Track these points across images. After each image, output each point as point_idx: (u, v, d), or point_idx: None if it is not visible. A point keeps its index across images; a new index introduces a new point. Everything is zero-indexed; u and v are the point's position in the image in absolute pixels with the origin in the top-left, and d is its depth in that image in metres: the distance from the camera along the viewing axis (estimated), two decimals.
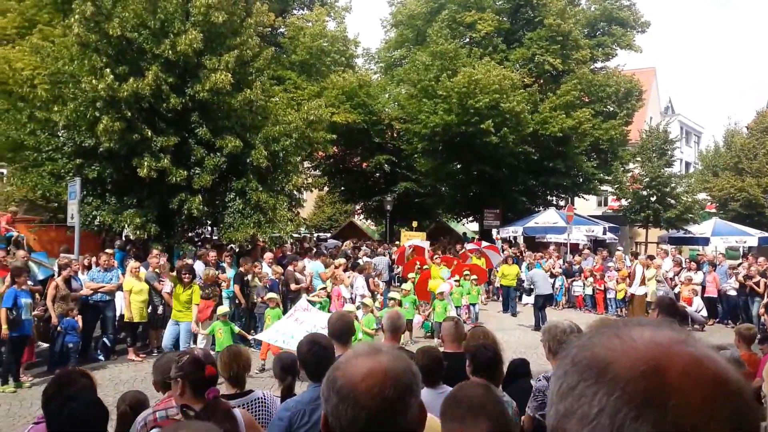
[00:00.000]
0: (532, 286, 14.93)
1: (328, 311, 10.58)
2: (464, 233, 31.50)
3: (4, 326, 8.79)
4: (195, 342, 10.05)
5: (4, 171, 27.75)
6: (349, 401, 1.20)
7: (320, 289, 12.54)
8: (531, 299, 15.44)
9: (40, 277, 10.99)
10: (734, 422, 0.63)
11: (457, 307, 13.49)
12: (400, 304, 11.07)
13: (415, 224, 24.15)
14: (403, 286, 13.08)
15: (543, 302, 14.26)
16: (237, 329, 9.75)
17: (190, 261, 11.98)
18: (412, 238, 19.57)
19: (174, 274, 10.51)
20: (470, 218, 29.14)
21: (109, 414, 2.91)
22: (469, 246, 19.24)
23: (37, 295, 10.13)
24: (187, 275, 10.06)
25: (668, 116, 37.15)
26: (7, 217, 14.30)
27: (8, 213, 15.40)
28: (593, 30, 27.19)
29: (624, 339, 0.69)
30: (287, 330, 8.52)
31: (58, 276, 10.08)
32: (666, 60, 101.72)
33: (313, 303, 10.71)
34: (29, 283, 9.68)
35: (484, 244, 19.27)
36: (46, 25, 16.31)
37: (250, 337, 10.66)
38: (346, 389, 1.22)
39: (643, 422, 0.61)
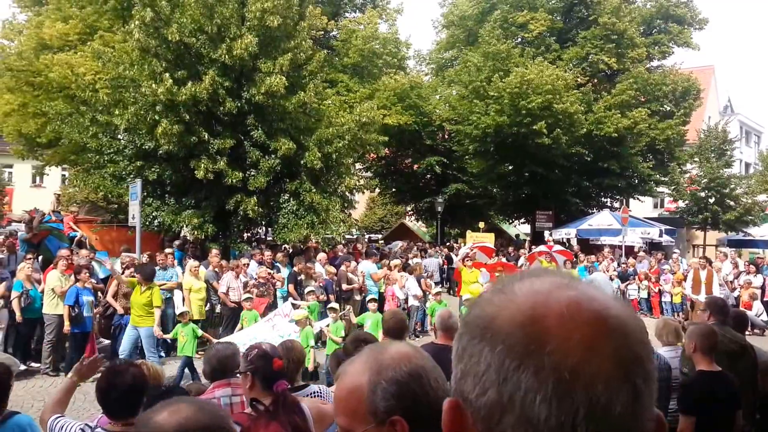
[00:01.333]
0: None
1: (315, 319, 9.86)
2: (517, 235, 31.05)
3: (67, 323, 9.16)
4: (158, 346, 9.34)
5: (66, 173, 29.12)
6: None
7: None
8: None
9: (102, 275, 11.41)
10: (616, 358, 0.62)
11: None
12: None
13: (482, 225, 23.67)
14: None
15: None
16: (200, 332, 9.14)
17: (246, 261, 12.22)
18: (480, 241, 19.21)
19: (132, 277, 9.44)
20: (522, 220, 28.70)
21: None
22: (538, 248, 18.44)
23: (99, 293, 10.52)
24: (142, 276, 9.07)
25: (727, 116, 35.76)
26: (71, 217, 14.94)
27: (70, 213, 16.10)
28: (649, 28, 26.37)
29: (506, 293, 0.70)
30: (260, 336, 7.90)
31: (122, 274, 10.40)
32: (725, 58, 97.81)
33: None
34: (92, 281, 10.07)
35: (556, 248, 18.22)
36: (107, 31, 16.91)
37: (214, 341, 9.50)
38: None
39: (524, 371, 0.62)
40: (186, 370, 8.69)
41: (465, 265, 13.70)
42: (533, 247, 19.58)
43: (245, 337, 8.14)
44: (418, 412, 1.14)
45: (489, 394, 0.64)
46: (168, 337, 9.18)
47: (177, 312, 11.23)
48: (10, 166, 34.17)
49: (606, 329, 0.64)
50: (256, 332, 8.24)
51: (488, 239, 20.39)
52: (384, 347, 1.27)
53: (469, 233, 22.39)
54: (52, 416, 3.02)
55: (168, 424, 1.21)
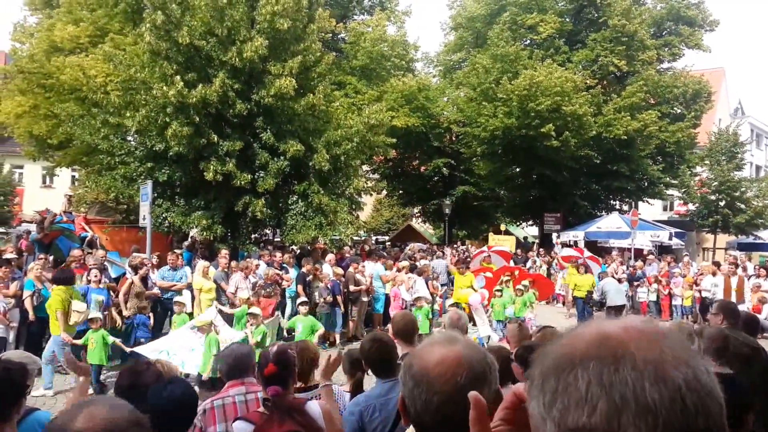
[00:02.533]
0: (603, 298, 13.27)
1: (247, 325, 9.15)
2: (525, 237, 30.98)
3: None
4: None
5: (76, 174, 29.37)
6: (423, 385, 1.26)
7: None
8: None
9: (113, 275, 11.51)
10: (683, 348, 0.74)
11: (498, 321, 11.97)
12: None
13: (503, 228, 23.54)
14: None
15: (614, 316, 12.66)
16: (112, 339, 8.67)
17: (256, 261, 12.26)
18: (500, 244, 18.99)
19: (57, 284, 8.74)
20: (530, 222, 28.65)
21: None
22: (565, 252, 17.81)
23: (111, 293, 10.61)
24: (58, 281, 8.51)
25: (738, 118, 35.55)
26: (82, 218, 15.08)
27: (81, 214, 16.25)
28: (659, 29, 26.29)
29: (567, 336, 0.79)
30: (183, 343, 7.48)
31: (134, 274, 10.49)
32: (736, 60, 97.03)
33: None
34: (105, 280, 10.15)
35: (587, 254, 17.51)
36: (118, 33, 17.04)
37: (127, 350, 9.00)
38: (420, 374, 1.28)
39: (623, 369, 0.69)
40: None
41: (458, 270, 13.17)
42: (545, 250, 19.18)
43: (162, 345, 7.70)
44: None
45: (600, 406, 0.68)
46: (78, 342, 8.48)
47: (187, 312, 11.40)
48: (21, 167, 34.51)
49: (661, 331, 0.76)
50: (176, 339, 7.73)
51: (508, 242, 20.15)
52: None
53: (491, 236, 22.28)
54: None
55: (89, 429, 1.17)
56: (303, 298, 10.38)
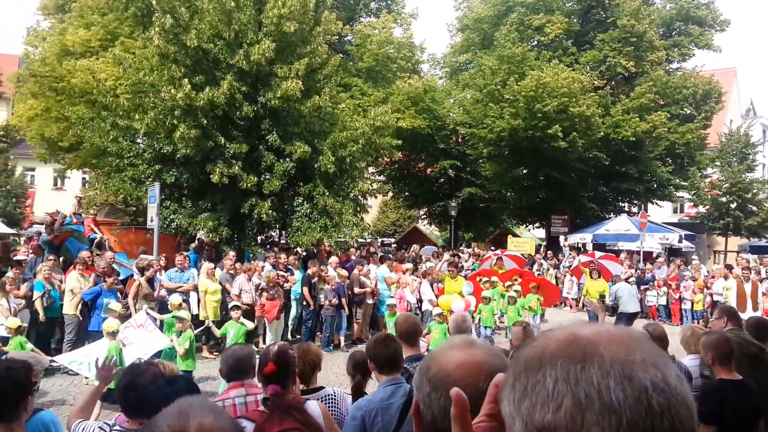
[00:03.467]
0: (615, 303, 12.43)
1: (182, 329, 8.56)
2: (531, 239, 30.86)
3: (72, 310, 9.31)
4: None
5: (87, 176, 29.65)
6: (442, 390, 1.21)
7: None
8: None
9: (121, 276, 11.63)
10: (654, 353, 0.75)
11: (486, 328, 11.61)
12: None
13: (521, 230, 23.26)
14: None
15: (627, 323, 11.17)
16: (30, 346, 8.17)
17: (261, 263, 12.36)
18: (519, 246, 18.61)
19: None
20: (536, 224, 28.54)
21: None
22: (582, 258, 16.93)
23: (119, 294, 10.72)
24: None
25: (750, 119, 35.20)
26: (91, 219, 15.23)
27: (90, 215, 16.41)
28: (669, 30, 26.12)
29: (539, 338, 0.82)
30: (98, 350, 6.89)
31: (140, 276, 10.60)
32: (747, 60, 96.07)
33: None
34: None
35: (599, 254, 16.96)
36: (128, 37, 17.21)
37: (48, 359, 8.28)
38: (438, 378, 1.24)
39: (589, 368, 0.72)
40: None
41: (448, 273, 12.42)
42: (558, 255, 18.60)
43: (80, 355, 7.21)
44: None
45: (565, 403, 0.70)
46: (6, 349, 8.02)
47: (193, 314, 11.49)
48: (33, 170, 34.90)
49: (635, 336, 0.78)
50: (100, 346, 7.15)
51: (527, 244, 19.82)
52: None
53: (509, 238, 22.02)
54: (76, 421, 3.13)
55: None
56: (235, 302, 9.66)
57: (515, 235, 28.20)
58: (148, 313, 8.50)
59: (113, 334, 7.49)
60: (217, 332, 9.25)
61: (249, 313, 11.12)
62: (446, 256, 15.49)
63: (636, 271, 18.05)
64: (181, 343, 7.95)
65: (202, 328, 9.62)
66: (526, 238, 21.02)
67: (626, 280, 14.75)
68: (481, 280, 12.91)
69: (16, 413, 2.71)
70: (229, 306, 9.61)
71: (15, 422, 2.71)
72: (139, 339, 7.26)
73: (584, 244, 23.55)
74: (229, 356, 3.62)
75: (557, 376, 0.72)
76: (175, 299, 9.17)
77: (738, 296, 13.78)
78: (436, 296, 12.56)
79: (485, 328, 11.63)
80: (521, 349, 0.82)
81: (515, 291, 12.32)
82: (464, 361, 1.26)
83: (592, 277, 14.32)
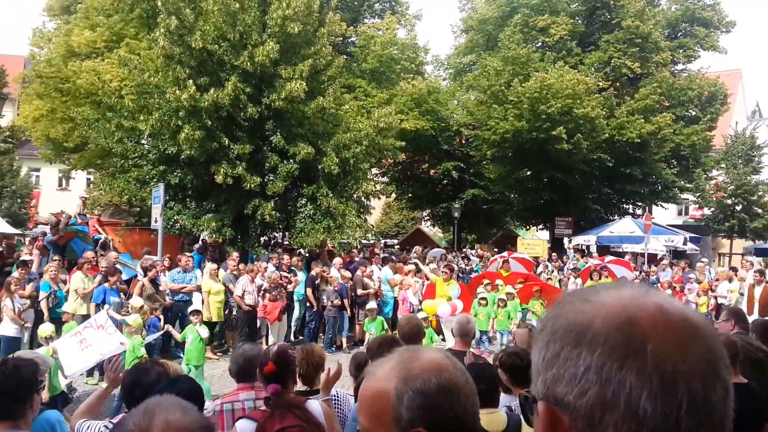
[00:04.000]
0: None
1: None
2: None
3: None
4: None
5: (91, 177, 29.77)
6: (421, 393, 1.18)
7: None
8: None
9: (125, 277, 11.66)
10: (708, 356, 0.69)
11: (482, 333, 11.21)
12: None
13: (533, 231, 22.96)
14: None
15: None
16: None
17: (264, 264, 12.38)
18: (531, 248, 18.32)
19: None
20: (540, 226, 28.49)
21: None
22: (590, 263, 16.43)
23: (123, 294, 10.75)
24: None
25: (755, 120, 35.06)
26: (95, 220, 15.30)
27: (95, 216, 16.48)
28: (674, 31, 26.05)
29: (592, 302, 0.74)
30: (66, 352, 6.69)
31: (143, 276, 10.62)
32: (753, 61, 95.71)
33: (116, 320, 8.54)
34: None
35: (609, 258, 16.66)
36: (133, 38, 17.29)
37: (52, 359, 7.92)
38: (420, 385, 1.20)
39: (627, 371, 0.67)
40: None
41: (440, 274, 11.62)
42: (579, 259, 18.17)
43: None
44: (443, 426, 1.10)
45: (590, 394, 0.68)
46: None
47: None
48: (38, 170, 35.06)
49: (694, 330, 0.71)
50: (61, 351, 6.85)
51: (539, 246, 19.56)
52: (416, 354, 1.20)
53: (520, 240, 21.80)
54: (79, 420, 3.15)
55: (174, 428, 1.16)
56: (194, 307, 9.31)
57: (516, 237, 28.20)
58: (109, 315, 8.07)
59: (48, 339, 7.33)
60: (178, 336, 9.03)
61: (252, 314, 11.16)
62: (429, 258, 14.96)
63: (640, 273, 17.99)
64: (132, 349, 7.55)
65: (161, 332, 9.30)
66: (538, 240, 20.63)
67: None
68: (484, 282, 12.76)
69: (23, 411, 2.74)
70: (188, 311, 9.27)
71: (21, 419, 2.74)
72: (98, 341, 6.90)
73: (588, 246, 23.50)
74: (239, 356, 3.62)
75: (591, 364, 0.69)
76: (136, 301, 8.96)
77: (748, 300, 13.59)
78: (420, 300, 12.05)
79: (480, 332, 11.12)
80: (567, 305, 0.76)
81: (507, 293, 11.87)
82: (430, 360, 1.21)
83: (592, 279, 14.09)
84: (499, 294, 12.10)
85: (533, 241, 20.45)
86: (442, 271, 11.57)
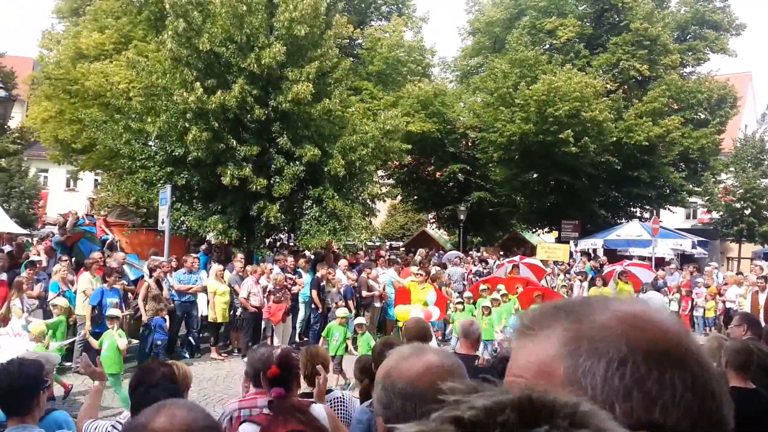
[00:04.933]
0: None
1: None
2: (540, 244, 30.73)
3: (88, 323, 9.40)
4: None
5: (99, 178, 29.95)
6: (416, 398, 1.23)
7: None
8: None
9: (132, 277, 11.71)
10: None
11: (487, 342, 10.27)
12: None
13: (554, 235, 22.39)
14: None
15: None
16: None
17: (270, 265, 12.40)
18: (552, 253, 17.95)
19: None
20: (546, 229, 28.40)
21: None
22: (611, 267, 16.00)
23: (130, 294, 10.80)
24: None
25: (765, 124, 34.81)
26: (102, 220, 15.38)
27: (101, 217, 16.56)
28: (684, 34, 25.90)
29: (658, 320, 0.71)
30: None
31: (149, 277, 10.66)
32: (763, 64, 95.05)
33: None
34: (122, 282, 10.33)
35: (628, 261, 16.36)
36: (141, 41, 17.39)
37: (58, 357, 7.79)
38: (408, 389, 1.26)
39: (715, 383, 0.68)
40: None
41: (419, 279, 11.02)
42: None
43: None
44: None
45: (691, 414, 0.66)
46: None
47: (202, 315, 11.55)
48: (46, 171, 35.32)
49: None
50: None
51: (561, 251, 19.07)
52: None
53: (540, 245, 21.44)
54: (87, 421, 3.17)
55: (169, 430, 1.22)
56: (111, 313, 8.72)
57: (525, 240, 28.07)
58: (28, 320, 8.03)
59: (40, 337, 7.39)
60: (95, 343, 8.56)
61: (257, 315, 11.17)
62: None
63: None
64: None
65: (70, 340, 9.06)
66: (559, 245, 19.96)
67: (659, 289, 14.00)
68: (480, 288, 12.27)
69: (29, 408, 2.83)
70: (106, 314, 8.88)
71: (28, 416, 2.82)
72: (11, 347, 6.87)
73: (595, 250, 23.38)
74: (257, 360, 3.57)
75: (688, 382, 0.67)
76: (61, 301, 8.86)
77: (752, 307, 13.49)
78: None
79: (486, 342, 10.10)
80: (597, 311, 0.71)
81: (492, 300, 11.21)
82: (426, 366, 1.29)
83: (595, 285, 13.58)
84: (484, 301, 11.32)
85: (554, 245, 19.93)
86: (417, 274, 10.92)
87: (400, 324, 9.66)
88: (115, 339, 8.06)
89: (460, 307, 11.09)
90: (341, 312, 9.71)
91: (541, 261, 17.58)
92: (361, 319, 10.23)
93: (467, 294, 12.15)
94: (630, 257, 21.02)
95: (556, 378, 0.68)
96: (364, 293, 12.64)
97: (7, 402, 2.84)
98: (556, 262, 20.08)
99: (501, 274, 15.01)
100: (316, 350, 4.30)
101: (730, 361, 4.01)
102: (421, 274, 10.95)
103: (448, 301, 12.14)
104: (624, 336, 0.68)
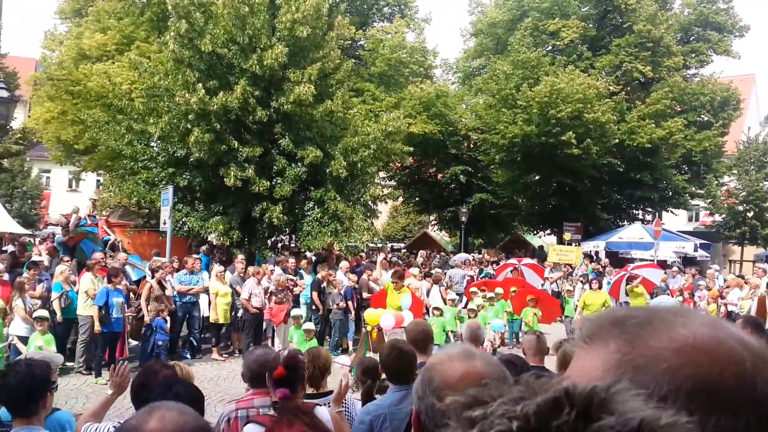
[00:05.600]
0: None
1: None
2: (540, 246, 30.67)
3: (97, 323, 9.42)
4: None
5: (101, 179, 30.01)
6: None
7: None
8: None
9: (134, 278, 11.72)
10: None
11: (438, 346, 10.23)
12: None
13: (567, 237, 21.87)
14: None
15: None
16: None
17: (271, 267, 12.38)
18: (563, 255, 17.78)
19: None
20: (548, 231, 28.37)
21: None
22: (623, 273, 15.19)
23: (132, 295, 10.81)
24: None
25: None
26: (104, 221, 15.40)
27: (103, 217, 16.58)
28: (687, 35, 25.87)
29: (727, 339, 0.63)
30: None
31: (151, 278, 10.66)
32: (767, 66, 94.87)
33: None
34: (124, 283, 10.34)
35: (637, 263, 16.00)
36: (143, 42, 17.42)
37: (61, 357, 7.26)
38: (442, 390, 1.27)
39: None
40: None
41: (393, 282, 10.23)
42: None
43: None
44: None
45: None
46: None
47: (204, 316, 11.55)
48: (48, 171, 35.39)
49: None
50: None
51: (572, 253, 18.78)
52: None
53: (551, 247, 21.20)
54: (85, 424, 3.15)
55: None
56: (38, 314, 8.59)
57: (527, 242, 28.00)
58: None
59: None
60: (23, 348, 8.33)
61: (258, 316, 11.16)
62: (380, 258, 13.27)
63: None
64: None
65: (6, 343, 8.75)
66: (572, 247, 19.49)
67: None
68: (470, 290, 12.30)
69: (36, 409, 2.82)
70: (33, 315, 8.73)
71: (35, 417, 2.82)
72: None
73: (597, 252, 23.34)
74: (253, 362, 3.55)
75: (750, 421, 0.59)
76: (18, 303, 8.79)
77: (758, 310, 13.38)
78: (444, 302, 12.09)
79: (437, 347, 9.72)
80: (655, 333, 0.64)
81: (477, 304, 11.12)
82: (466, 372, 1.29)
83: (591, 288, 13.15)
84: (471, 304, 11.41)
85: (566, 248, 19.59)
86: (392, 281, 10.26)
87: (368, 328, 9.38)
88: (39, 344, 7.93)
89: (437, 312, 10.57)
90: (296, 312, 9.90)
91: (553, 263, 17.45)
92: (309, 325, 9.81)
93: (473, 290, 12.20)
94: (632, 260, 20.97)
95: None
96: (365, 294, 12.62)
97: (14, 403, 2.84)
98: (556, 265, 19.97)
99: (502, 277, 14.92)
100: (318, 352, 4.29)
101: None
102: (395, 281, 10.16)
103: (426, 306, 11.67)
104: (670, 371, 0.61)
